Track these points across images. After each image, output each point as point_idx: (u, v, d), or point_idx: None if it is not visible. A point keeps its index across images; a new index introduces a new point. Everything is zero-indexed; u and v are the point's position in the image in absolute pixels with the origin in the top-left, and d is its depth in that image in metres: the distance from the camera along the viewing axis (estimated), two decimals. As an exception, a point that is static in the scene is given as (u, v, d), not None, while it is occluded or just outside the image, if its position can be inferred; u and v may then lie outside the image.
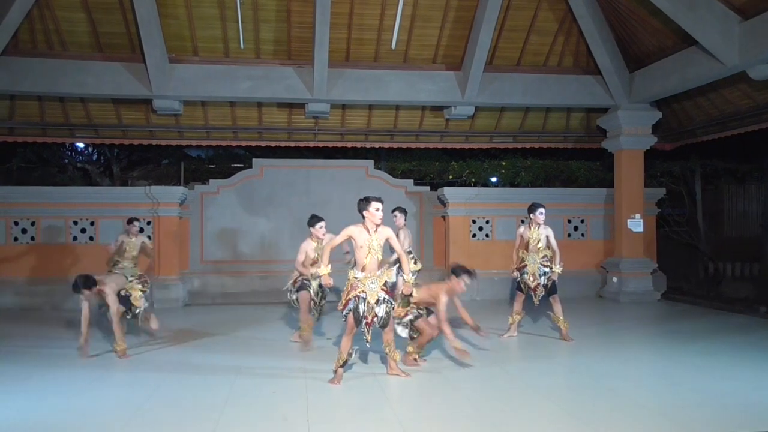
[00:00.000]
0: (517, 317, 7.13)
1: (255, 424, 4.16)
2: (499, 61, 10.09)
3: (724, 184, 13.64)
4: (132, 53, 9.27)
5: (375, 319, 5.06)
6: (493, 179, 15.35)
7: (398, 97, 9.91)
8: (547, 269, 6.97)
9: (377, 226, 5.10)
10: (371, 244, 5.05)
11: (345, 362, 5.12)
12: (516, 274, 7.11)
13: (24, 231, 9.93)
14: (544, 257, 6.98)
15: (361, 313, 5.03)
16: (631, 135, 10.33)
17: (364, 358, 5.88)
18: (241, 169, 11.85)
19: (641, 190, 10.55)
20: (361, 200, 5.17)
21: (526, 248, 7.07)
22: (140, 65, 9.08)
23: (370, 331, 5.09)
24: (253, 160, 11.56)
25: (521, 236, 7.16)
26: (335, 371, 5.13)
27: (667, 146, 11.61)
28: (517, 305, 7.14)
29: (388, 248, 5.41)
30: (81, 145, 15.40)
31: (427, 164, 14.87)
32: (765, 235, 12.01)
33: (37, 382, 5.20)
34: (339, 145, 11.92)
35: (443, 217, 11.05)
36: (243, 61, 9.54)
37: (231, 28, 9.12)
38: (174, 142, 11.43)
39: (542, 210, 7.02)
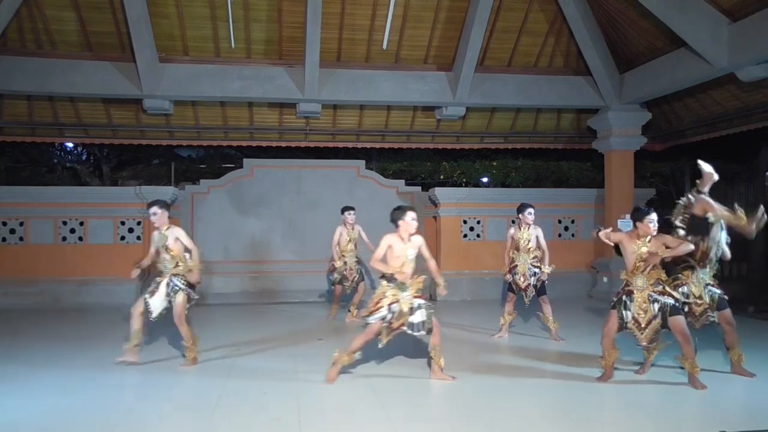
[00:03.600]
0: (508, 318, 7.16)
1: (247, 426, 4.14)
2: (490, 61, 10.11)
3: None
4: (122, 52, 9.20)
5: (405, 326, 5.07)
6: (485, 180, 15.41)
7: (389, 97, 9.91)
8: (537, 269, 7.01)
9: (410, 235, 5.16)
10: (406, 253, 5.10)
11: (349, 362, 5.14)
12: (508, 276, 7.15)
13: (12, 231, 9.85)
14: (534, 258, 7.03)
15: (389, 320, 5.04)
16: (621, 136, 10.38)
17: (358, 360, 5.86)
18: (231, 169, 11.80)
19: (631, 191, 10.61)
20: (395, 210, 5.21)
21: (517, 249, 7.11)
22: (130, 65, 9.02)
23: (391, 336, 5.12)
24: (244, 160, 11.52)
25: (512, 237, 7.21)
26: (335, 363, 5.13)
27: (657, 147, 11.68)
28: (509, 306, 7.17)
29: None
30: (70, 144, 15.33)
31: (419, 164, 14.90)
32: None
33: (28, 383, 5.15)
34: (330, 145, 11.90)
35: (434, 217, 11.06)
36: (234, 60, 9.51)
37: (222, 28, 9.08)
38: (164, 142, 11.38)
39: (531, 210, 7.06)
